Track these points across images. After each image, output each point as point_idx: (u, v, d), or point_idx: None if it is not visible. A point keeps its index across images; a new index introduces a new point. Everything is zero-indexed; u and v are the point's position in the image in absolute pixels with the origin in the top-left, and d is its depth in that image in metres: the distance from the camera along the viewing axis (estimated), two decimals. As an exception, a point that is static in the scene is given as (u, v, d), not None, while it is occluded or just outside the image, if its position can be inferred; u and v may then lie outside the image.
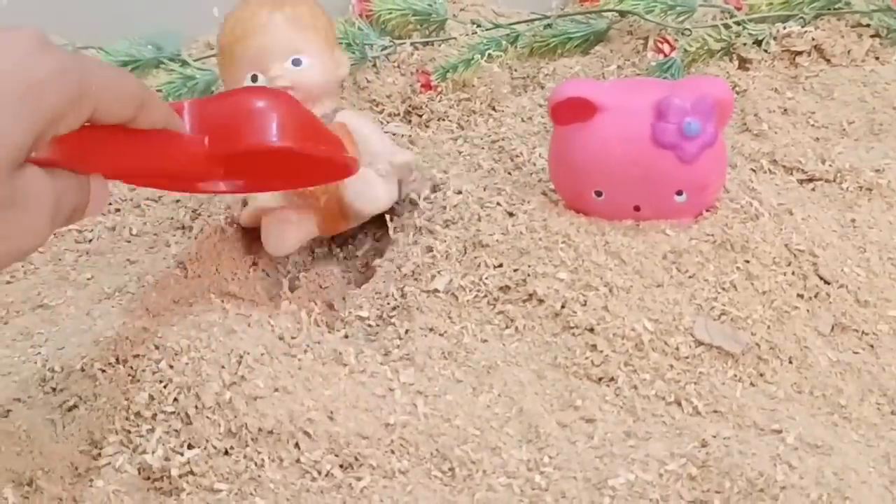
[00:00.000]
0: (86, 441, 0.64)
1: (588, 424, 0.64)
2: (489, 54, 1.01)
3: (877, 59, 0.98)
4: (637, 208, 0.73)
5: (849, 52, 0.97)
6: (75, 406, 0.66)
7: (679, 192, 0.72)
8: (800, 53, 0.97)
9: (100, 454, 0.63)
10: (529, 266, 0.72)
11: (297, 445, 0.63)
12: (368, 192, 0.78)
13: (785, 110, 0.93)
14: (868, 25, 1.00)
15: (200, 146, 0.57)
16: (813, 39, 0.97)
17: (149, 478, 0.62)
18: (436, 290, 0.74)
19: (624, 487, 0.59)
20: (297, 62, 0.75)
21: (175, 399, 0.64)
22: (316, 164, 0.65)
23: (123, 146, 0.52)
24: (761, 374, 0.68)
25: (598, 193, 0.73)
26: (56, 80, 0.43)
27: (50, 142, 0.45)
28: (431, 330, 0.72)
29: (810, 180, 0.85)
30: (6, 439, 0.64)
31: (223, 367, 0.65)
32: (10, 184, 0.42)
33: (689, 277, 0.72)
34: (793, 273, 0.73)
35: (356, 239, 0.86)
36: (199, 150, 0.57)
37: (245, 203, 0.81)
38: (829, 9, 0.99)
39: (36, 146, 0.43)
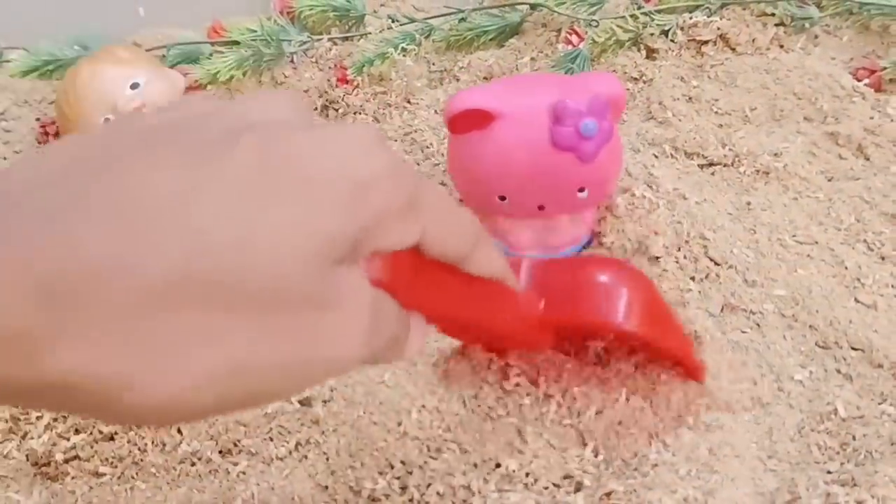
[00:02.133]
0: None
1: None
2: (403, 48, 1.01)
3: (781, 47, 0.98)
4: (541, 207, 0.73)
5: (753, 40, 0.98)
6: (-35, 395, 0.66)
7: (581, 189, 0.72)
8: (705, 43, 0.98)
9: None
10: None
11: (179, 431, 0.63)
12: None
13: (690, 98, 0.94)
14: (773, 14, 1.00)
15: (535, 308, 0.52)
16: (718, 29, 0.98)
17: (36, 463, 0.62)
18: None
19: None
20: (134, 86, 0.83)
21: (63, 386, 0.64)
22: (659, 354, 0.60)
23: (453, 287, 0.44)
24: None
25: (502, 198, 0.72)
26: (386, 181, 0.37)
27: (371, 257, 0.38)
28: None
29: (710, 165, 0.85)
30: None
31: (113, 353, 0.65)
32: (325, 279, 0.36)
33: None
34: (684, 257, 0.73)
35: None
36: (534, 313, 0.52)
37: None
38: (734, -1, 1.00)
39: (357, 250, 0.37)
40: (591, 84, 0.70)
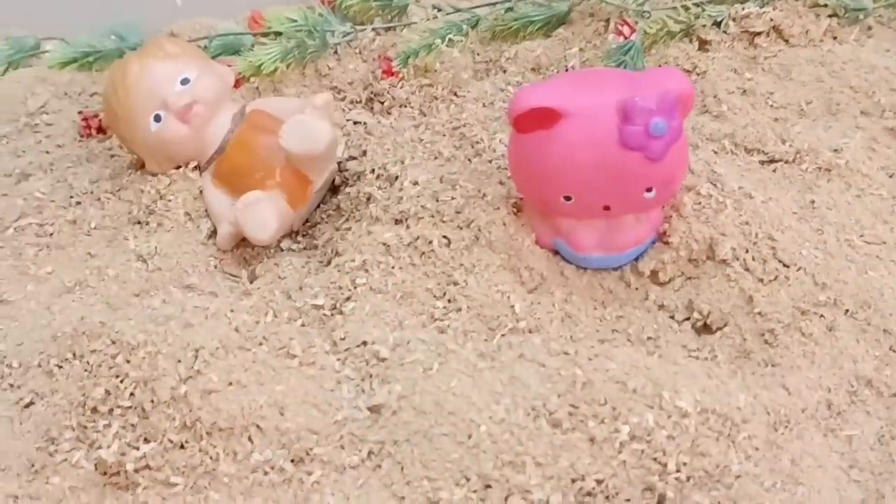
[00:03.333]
0: (42, 437, 0.63)
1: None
2: (450, 39, 1.00)
3: (834, 38, 0.97)
4: (607, 207, 0.72)
5: (806, 32, 0.96)
6: (32, 402, 0.66)
7: (649, 189, 0.71)
8: (758, 34, 0.96)
9: (56, 450, 0.62)
10: (463, 268, 0.73)
11: (249, 439, 0.62)
12: (307, 130, 0.78)
13: (744, 91, 0.92)
14: (825, 5, 0.99)
15: None
16: (771, 20, 0.96)
17: (105, 472, 0.61)
18: (383, 285, 0.73)
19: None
20: (184, 81, 0.80)
21: (131, 394, 0.63)
22: None
23: None
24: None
25: (567, 198, 0.71)
26: None
27: None
28: (375, 317, 0.71)
29: (771, 161, 0.84)
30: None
31: (179, 361, 0.64)
32: None
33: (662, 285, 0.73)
34: (752, 259, 0.72)
35: (316, 228, 0.85)
36: None
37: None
38: (787, -12, 0.99)
39: None
40: (659, 81, 0.69)
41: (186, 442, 0.62)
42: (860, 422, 0.63)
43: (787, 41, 0.96)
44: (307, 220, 0.85)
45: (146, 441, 0.62)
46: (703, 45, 0.97)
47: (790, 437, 0.61)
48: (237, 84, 1.00)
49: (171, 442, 0.62)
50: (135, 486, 0.60)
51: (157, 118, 0.80)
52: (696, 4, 0.98)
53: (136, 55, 0.83)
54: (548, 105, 0.68)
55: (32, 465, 0.62)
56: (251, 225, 0.77)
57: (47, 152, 0.95)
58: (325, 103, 0.82)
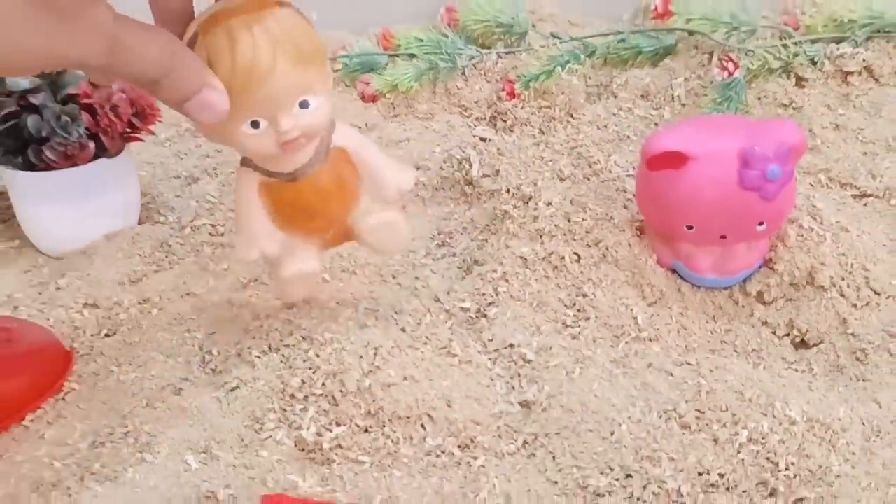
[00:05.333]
0: (249, 417, 0.75)
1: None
2: (569, 66, 1.10)
3: (921, 79, 1.07)
4: (723, 237, 0.83)
5: (896, 71, 1.06)
6: (237, 387, 0.77)
7: (761, 223, 0.81)
8: (851, 73, 1.06)
9: (262, 429, 0.74)
10: (591, 282, 0.84)
11: (423, 427, 0.74)
12: (395, 237, 0.74)
13: (837, 126, 1.02)
14: (915, 48, 1.09)
15: None
16: (864, 60, 1.06)
17: (303, 449, 0.73)
18: (521, 294, 0.84)
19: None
20: (304, 104, 0.65)
21: (323, 384, 0.75)
22: None
23: None
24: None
25: (689, 227, 0.82)
26: None
27: None
28: (516, 322, 0.82)
29: (863, 196, 0.94)
30: (181, 413, 0.75)
31: (361, 357, 0.76)
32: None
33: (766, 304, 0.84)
34: (847, 286, 0.83)
35: (452, 238, 0.96)
36: None
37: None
38: (879, 31, 1.08)
39: None
40: (776, 131, 0.80)
41: (371, 427, 0.73)
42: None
43: (877, 80, 1.06)
44: (441, 231, 0.97)
45: (337, 424, 0.73)
46: (800, 81, 1.07)
47: (882, 445, 0.72)
48: (374, 99, 1.12)
49: (358, 426, 0.73)
50: (330, 462, 0.72)
51: (256, 125, 0.64)
52: (795, 43, 1.08)
53: (267, 38, 0.61)
54: (678, 149, 0.79)
55: (243, 440, 0.74)
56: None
57: (208, 156, 1.07)
58: (410, 188, 0.74)
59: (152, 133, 0.94)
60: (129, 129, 0.92)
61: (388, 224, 0.73)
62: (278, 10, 0.62)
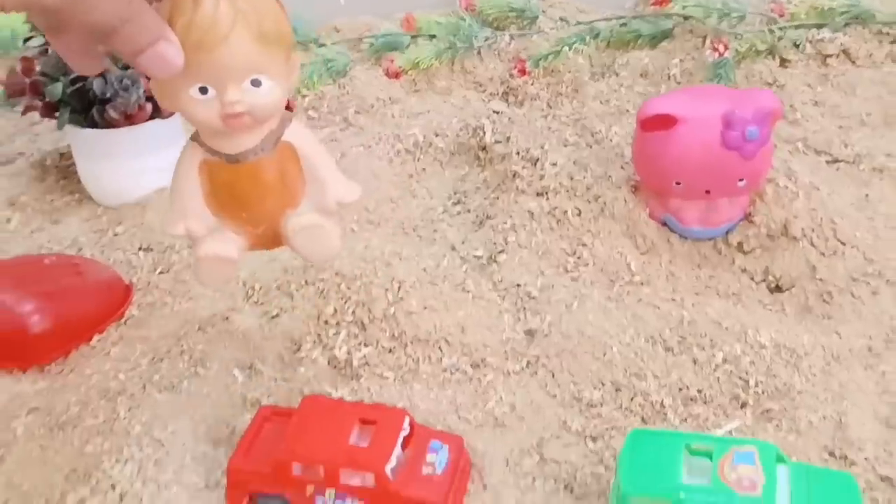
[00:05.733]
0: (288, 340, 0.85)
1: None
2: (575, 47, 1.21)
3: (893, 61, 1.17)
4: (708, 192, 0.93)
5: (871, 55, 1.16)
6: (277, 315, 0.88)
7: (741, 179, 0.91)
8: (830, 55, 1.16)
9: (299, 349, 0.84)
10: (590, 233, 0.94)
11: (440, 349, 0.84)
12: (323, 243, 0.68)
13: (816, 102, 1.12)
14: (888, 33, 1.18)
15: None
16: (841, 44, 1.16)
17: (335, 367, 0.83)
18: (528, 243, 0.94)
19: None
20: (256, 82, 0.61)
21: (353, 312, 0.85)
22: None
23: None
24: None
25: (678, 183, 0.92)
26: None
27: None
28: (523, 267, 0.92)
29: (835, 161, 1.04)
30: (230, 337, 0.86)
31: (387, 290, 0.86)
32: None
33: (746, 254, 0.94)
34: (817, 237, 0.92)
35: (467, 198, 1.06)
36: None
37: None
38: (856, 18, 1.18)
39: None
40: (755, 98, 0.90)
41: (394, 348, 0.83)
42: (892, 361, 0.83)
43: (853, 62, 1.16)
44: (457, 191, 1.07)
45: (365, 346, 0.83)
46: (784, 62, 1.17)
47: (840, 368, 0.81)
48: (397, 75, 1.22)
49: (384, 347, 0.83)
50: (358, 377, 0.82)
51: (204, 91, 0.60)
52: (780, 28, 1.18)
53: (231, 5, 0.59)
54: (668, 112, 0.89)
55: (283, 359, 0.84)
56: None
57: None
58: (351, 202, 0.67)
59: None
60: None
61: (316, 228, 0.67)
62: None
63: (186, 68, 0.57)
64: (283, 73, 0.62)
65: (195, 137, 0.65)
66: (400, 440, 0.69)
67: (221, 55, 0.58)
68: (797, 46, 1.17)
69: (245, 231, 0.67)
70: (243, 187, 0.65)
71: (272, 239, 0.68)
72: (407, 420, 0.71)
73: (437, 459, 0.70)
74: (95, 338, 0.87)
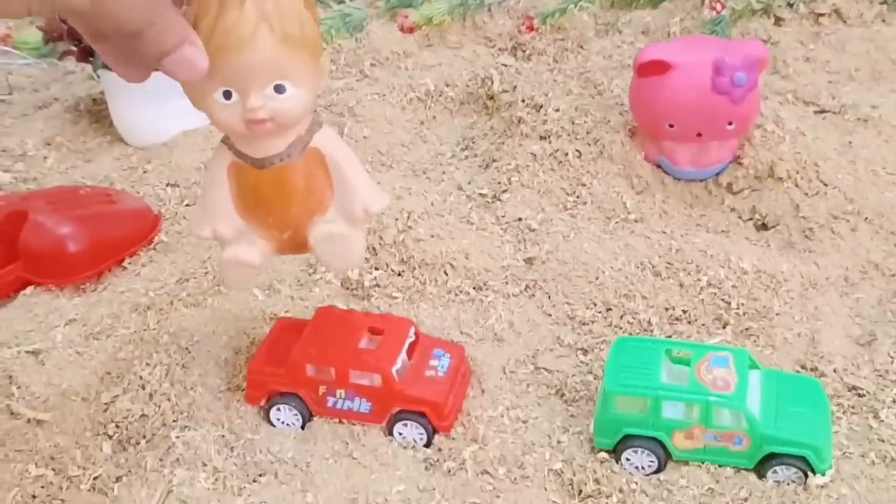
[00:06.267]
0: (304, 264, 0.90)
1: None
2: (581, 5, 1.26)
3: (883, 21, 1.22)
4: (699, 134, 0.98)
5: (861, 14, 1.21)
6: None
7: (730, 123, 0.96)
8: (822, 15, 1.21)
9: (315, 272, 0.90)
10: (589, 174, 1.00)
11: (445, 273, 0.89)
12: (346, 252, 0.68)
13: (807, 59, 1.17)
14: (878, -6, 1.23)
15: None
16: (833, 4, 1.21)
17: (348, 288, 0.89)
18: (530, 183, 1.00)
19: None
20: (279, 88, 0.60)
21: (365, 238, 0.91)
22: None
23: None
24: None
25: (671, 126, 0.97)
26: None
27: None
28: (524, 204, 0.98)
29: (822, 112, 1.09)
30: (250, 260, 0.92)
31: (397, 219, 0.91)
32: None
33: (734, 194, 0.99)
34: (801, 178, 0.97)
35: (475, 143, 1.12)
36: None
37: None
38: (848, -21, 1.23)
39: None
40: (744, 47, 0.95)
41: (403, 271, 0.89)
42: (866, 290, 0.88)
43: (844, 21, 1.21)
44: (465, 137, 1.12)
45: (376, 269, 0.89)
46: (778, 20, 1.22)
47: (816, 294, 0.86)
48: (411, 30, 1.28)
49: (393, 271, 0.89)
50: (370, 297, 0.87)
51: (228, 95, 0.59)
52: (775, -12, 1.23)
53: (256, 8, 0.57)
54: (663, 58, 0.95)
55: (299, 280, 0.90)
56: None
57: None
58: (378, 211, 0.67)
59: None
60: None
61: (340, 238, 0.66)
62: None
63: (210, 71, 0.56)
64: (310, 78, 0.61)
65: (225, 140, 0.65)
66: (405, 346, 0.75)
67: (244, 59, 0.57)
68: (791, 6, 1.22)
69: (271, 235, 0.67)
70: (269, 192, 0.65)
71: (299, 244, 0.68)
72: (412, 329, 0.77)
73: (439, 364, 0.76)
74: (127, 260, 0.93)
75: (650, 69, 0.95)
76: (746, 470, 0.69)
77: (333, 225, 0.66)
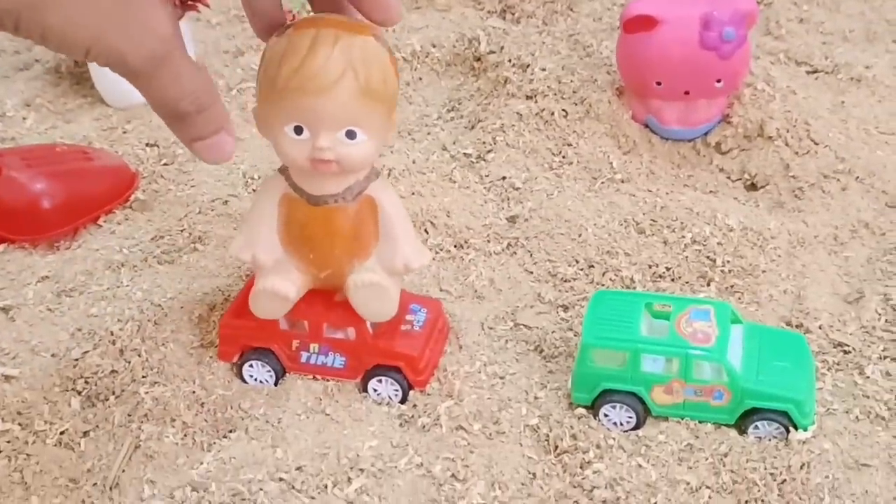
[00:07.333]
0: (282, 221, 0.89)
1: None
2: (571, -34, 1.23)
3: (878, -19, 1.20)
4: (687, 92, 0.96)
5: (856, -25, 1.19)
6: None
7: (718, 80, 0.94)
8: (817, -26, 1.19)
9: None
10: (575, 133, 0.97)
11: (426, 231, 0.87)
12: (382, 302, 0.69)
13: (801, 20, 1.15)
14: (873, -46, 1.21)
15: None
16: (828, -36, 1.19)
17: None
18: (516, 142, 0.98)
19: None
20: (351, 134, 0.62)
21: (344, 195, 0.89)
22: None
23: None
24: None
25: (658, 83, 0.95)
26: None
27: None
28: (509, 164, 0.96)
29: (815, 72, 1.07)
30: (228, 218, 0.89)
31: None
32: None
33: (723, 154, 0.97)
34: (791, 137, 0.95)
35: (461, 104, 1.10)
36: None
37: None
38: (844, -60, 1.21)
39: None
40: (733, 2, 0.92)
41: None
42: (856, 248, 0.86)
43: (839, -19, 1.19)
44: (452, 99, 1.10)
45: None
46: (773, -19, 1.20)
47: (804, 252, 0.84)
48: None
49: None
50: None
51: (300, 131, 0.62)
52: (770, -52, 1.21)
53: (344, 58, 0.59)
54: (649, 13, 0.92)
55: (277, 238, 0.88)
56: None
57: (254, 37, 1.20)
58: (418, 268, 0.70)
59: (208, 6, 1.08)
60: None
61: (377, 287, 0.68)
62: (370, 38, 0.61)
63: (286, 107, 0.60)
64: (381, 130, 0.63)
65: (283, 170, 0.67)
66: (381, 300, 0.74)
67: (323, 103, 0.60)
68: (785, -34, 1.21)
69: (310, 272, 0.70)
70: (317, 230, 0.67)
71: (335, 285, 0.70)
72: (388, 283, 0.75)
73: (415, 319, 0.74)
74: (102, 218, 0.91)
75: (637, 25, 0.93)
76: (727, 426, 0.67)
77: (373, 274, 0.68)
